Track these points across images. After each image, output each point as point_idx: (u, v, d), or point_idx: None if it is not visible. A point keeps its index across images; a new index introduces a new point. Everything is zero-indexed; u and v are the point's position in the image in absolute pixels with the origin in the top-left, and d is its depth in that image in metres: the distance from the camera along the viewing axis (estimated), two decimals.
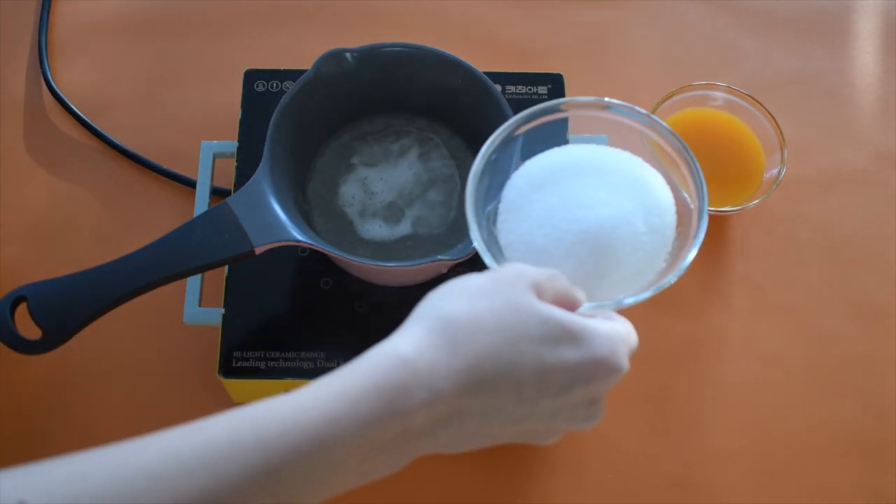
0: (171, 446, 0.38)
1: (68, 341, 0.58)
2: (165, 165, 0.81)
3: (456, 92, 0.70)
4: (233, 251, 0.60)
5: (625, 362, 0.43)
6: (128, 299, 0.58)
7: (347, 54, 0.68)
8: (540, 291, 0.42)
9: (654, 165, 0.55)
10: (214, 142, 0.75)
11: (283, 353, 0.66)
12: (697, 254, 0.80)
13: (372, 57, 0.69)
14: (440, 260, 0.62)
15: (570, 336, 0.41)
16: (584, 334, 0.42)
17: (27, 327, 0.58)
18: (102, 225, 0.80)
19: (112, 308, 0.58)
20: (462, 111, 0.71)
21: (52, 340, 0.57)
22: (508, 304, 0.41)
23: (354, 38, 0.72)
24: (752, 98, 0.81)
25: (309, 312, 0.68)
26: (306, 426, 0.38)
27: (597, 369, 0.42)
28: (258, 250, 0.60)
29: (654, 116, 0.56)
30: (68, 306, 0.57)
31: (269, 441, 0.37)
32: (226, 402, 0.73)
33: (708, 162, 0.81)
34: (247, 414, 0.39)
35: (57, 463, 0.37)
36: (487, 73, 0.70)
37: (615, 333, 0.44)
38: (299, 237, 0.62)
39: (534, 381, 0.40)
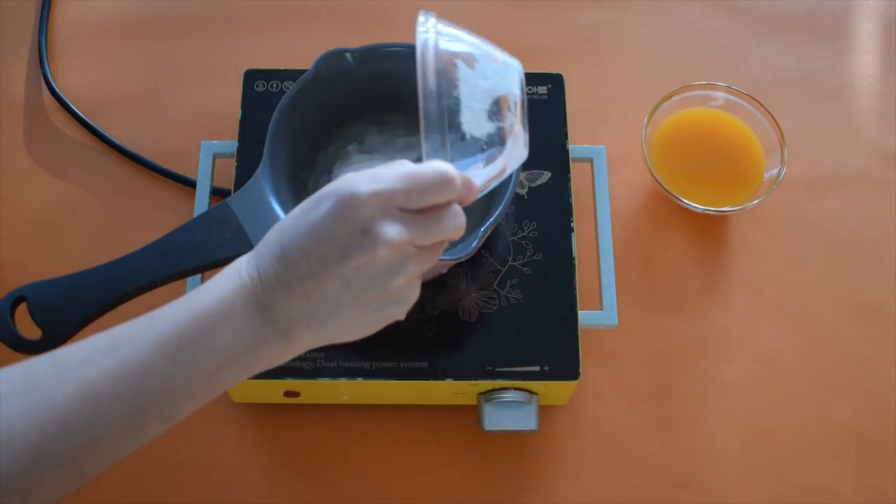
0: (90, 338, 0.48)
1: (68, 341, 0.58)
2: (165, 165, 0.81)
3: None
4: (233, 251, 0.60)
5: (358, 187, 0.46)
6: (128, 299, 0.59)
7: (347, 54, 0.68)
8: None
9: None
10: (214, 142, 0.75)
11: None
12: (697, 254, 0.80)
13: (372, 57, 0.69)
14: (439, 259, 0.62)
15: (316, 198, 0.48)
16: (323, 190, 0.48)
17: (27, 327, 0.58)
18: (102, 225, 0.80)
19: (112, 308, 0.58)
20: None
21: (52, 340, 0.57)
22: (308, 203, 0.49)
23: (354, 39, 0.72)
24: (752, 98, 0.81)
25: None
26: (179, 304, 0.48)
27: (333, 207, 0.46)
28: None
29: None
30: (68, 306, 0.57)
31: (156, 320, 0.47)
32: (226, 402, 0.73)
33: (708, 162, 0.82)
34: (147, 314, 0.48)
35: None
36: None
37: (353, 174, 0.48)
38: None
39: (308, 232, 0.47)
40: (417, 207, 0.48)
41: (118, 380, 0.46)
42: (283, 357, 0.50)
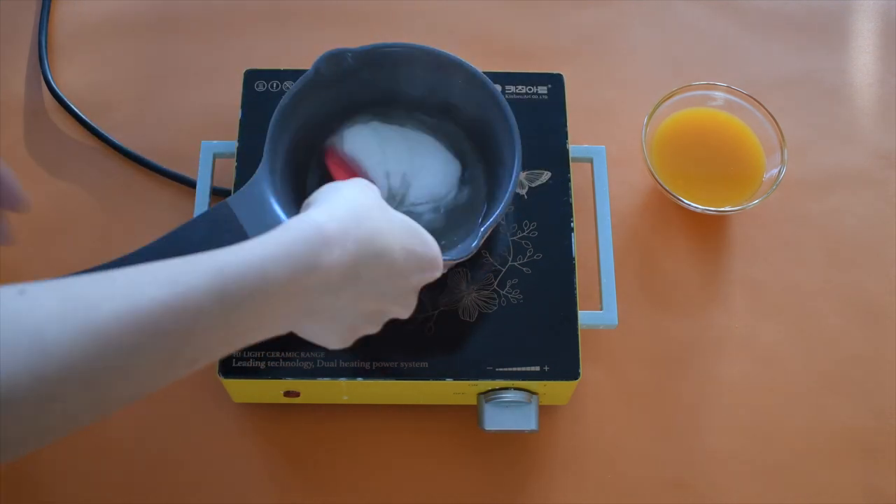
0: (140, 265, 0.45)
1: None
2: (165, 165, 0.81)
3: (457, 92, 0.70)
4: None
5: (440, 264, 0.58)
6: None
7: (347, 54, 0.68)
8: None
9: None
10: (214, 142, 0.75)
11: (283, 353, 0.66)
12: (697, 254, 0.80)
13: (372, 57, 0.69)
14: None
15: (421, 235, 0.57)
16: (427, 237, 0.58)
17: None
18: (102, 225, 0.80)
19: None
20: (463, 111, 0.71)
21: None
22: (382, 205, 0.57)
23: (355, 39, 0.72)
24: (752, 98, 0.81)
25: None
26: (252, 260, 0.46)
27: (430, 263, 0.57)
28: None
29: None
30: None
31: (222, 265, 0.45)
32: (226, 402, 0.73)
33: (708, 162, 0.82)
34: (207, 253, 0.47)
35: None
36: (487, 73, 0.70)
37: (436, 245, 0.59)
38: None
39: (402, 259, 0.54)
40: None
41: (168, 315, 0.43)
42: (282, 332, 0.51)
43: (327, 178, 0.71)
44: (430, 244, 0.58)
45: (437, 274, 0.58)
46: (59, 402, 0.41)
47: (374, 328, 0.58)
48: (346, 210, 0.53)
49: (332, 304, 0.52)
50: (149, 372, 0.44)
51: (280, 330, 0.51)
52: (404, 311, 0.58)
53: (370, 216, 0.54)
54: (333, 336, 0.56)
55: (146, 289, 0.43)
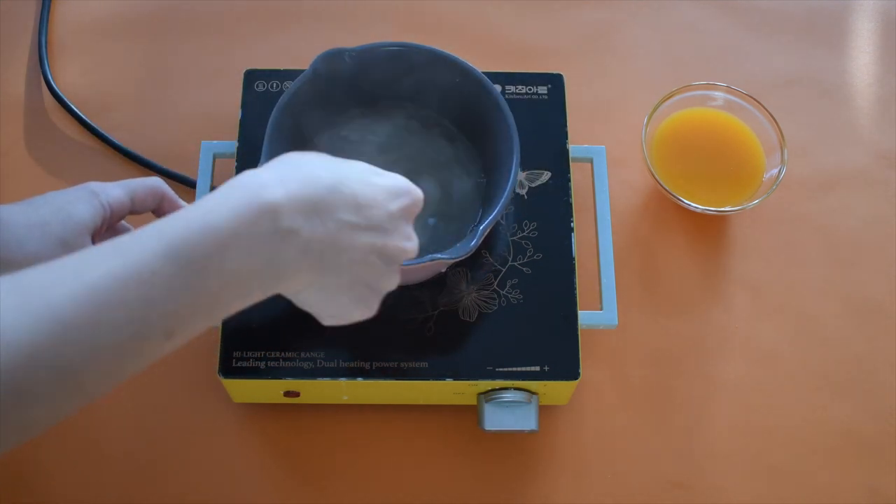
0: (90, 248, 0.46)
1: None
2: (165, 165, 0.81)
3: (455, 91, 0.70)
4: None
5: (420, 193, 0.56)
6: None
7: (345, 54, 0.68)
8: None
9: None
10: (214, 142, 0.75)
11: (283, 353, 0.66)
12: (697, 254, 0.80)
13: (370, 56, 0.69)
14: (438, 259, 0.62)
15: (376, 170, 0.54)
16: (386, 172, 0.55)
17: None
18: None
19: None
20: (462, 111, 0.71)
21: None
22: (328, 158, 0.53)
23: (354, 38, 0.72)
24: (752, 98, 0.81)
25: (309, 312, 0.68)
26: (192, 216, 0.46)
27: (400, 189, 0.54)
28: None
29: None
30: None
31: (165, 227, 0.45)
32: (226, 402, 0.73)
33: (708, 162, 0.82)
34: (151, 223, 0.46)
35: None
36: (487, 73, 0.70)
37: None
38: None
39: (362, 188, 0.51)
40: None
41: (122, 283, 0.43)
42: (280, 287, 0.49)
43: None
44: (391, 175, 0.55)
45: (418, 199, 0.55)
46: (33, 392, 0.41)
47: (387, 277, 0.54)
48: (283, 160, 0.51)
49: (315, 261, 0.49)
50: (119, 347, 0.43)
51: (258, 291, 0.48)
52: (403, 241, 0.54)
53: (310, 161, 0.51)
54: (347, 298, 0.53)
55: (96, 264, 0.43)
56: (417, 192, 0.55)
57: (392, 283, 0.55)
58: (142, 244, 0.44)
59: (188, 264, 0.44)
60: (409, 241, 0.54)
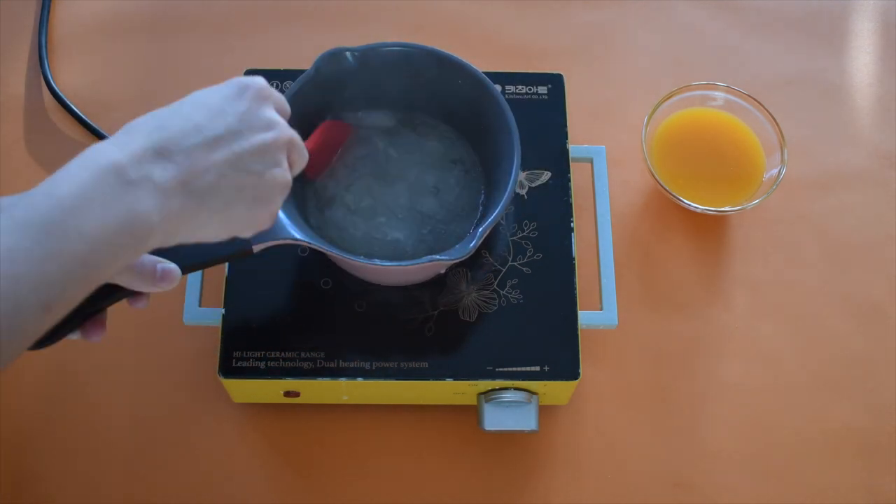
0: None
1: (67, 340, 0.58)
2: None
3: (456, 92, 0.70)
4: (230, 249, 0.60)
5: (255, 78, 0.54)
6: (125, 297, 0.58)
7: (348, 53, 0.68)
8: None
9: None
10: None
11: (283, 353, 0.66)
12: (697, 254, 0.80)
13: (372, 56, 0.69)
14: (437, 260, 0.62)
15: (207, 89, 0.54)
16: (225, 82, 0.54)
17: None
18: None
19: (109, 304, 0.58)
20: (462, 111, 0.71)
21: (49, 336, 0.56)
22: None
23: (354, 38, 0.72)
24: (752, 98, 0.81)
25: (309, 312, 0.68)
26: (34, 192, 0.47)
27: (235, 90, 0.53)
28: (256, 248, 0.60)
29: None
30: None
31: (16, 208, 0.46)
32: (226, 402, 0.73)
33: (708, 162, 0.82)
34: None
35: None
36: (487, 73, 0.70)
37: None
38: (297, 236, 0.62)
39: (198, 112, 0.51)
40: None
41: None
42: (158, 238, 0.49)
43: (327, 176, 0.71)
44: (222, 84, 0.54)
45: (258, 85, 0.54)
46: None
47: (269, 169, 0.53)
48: (121, 130, 0.51)
49: (185, 197, 0.49)
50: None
51: (135, 246, 0.48)
52: (262, 131, 0.53)
53: (141, 119, 0.51)
54: (243, 207, 0.53)
55: None
56: (256, 81, 0.54)
57: (280, 175, 0.54)
58: None
59: (45, 233, 0.45)
60: (271, 130, 0.53)
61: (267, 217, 0.54)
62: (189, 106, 0.52)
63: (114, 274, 0.49)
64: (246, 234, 0.54)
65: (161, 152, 0.49)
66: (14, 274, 0.44)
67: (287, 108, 0.57)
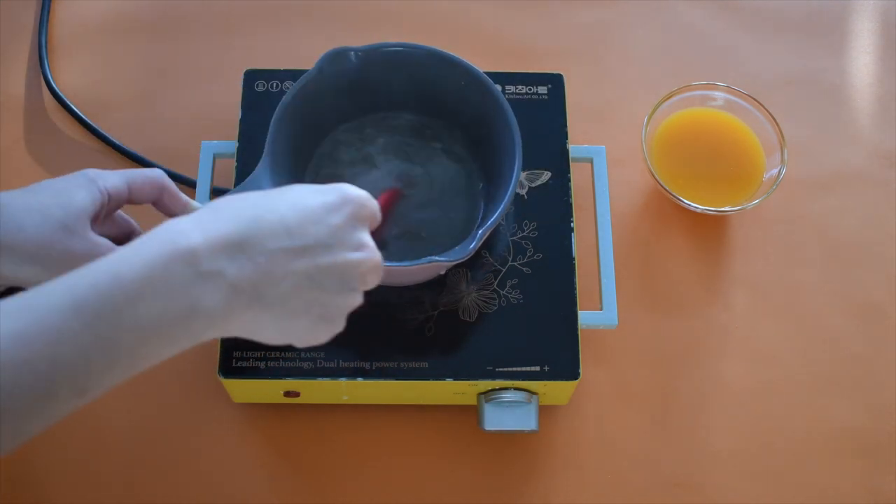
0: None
1: None
2: (165, 165, 0.81)
3: (458, 92, 0.70)
4: None
5: (361, 192, 0.52)
6: None
7: (351, 53, 0.68)
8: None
9: None
10: (214, 142, 0.75)
11: (283, 353, 0.66)
12: (697, 254, 0.80)
13: (375, 56, 0.69)
14: (436, 261, 0.62)
15: (312, 186, 0.52)
16: (320, 185, 0.52)
17: None
18: None
19: None
20: (464, 111, 0.71)
21: None
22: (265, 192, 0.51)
23: (354, 38, 0.72)
24: (752, 98, 0.81)
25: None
26: (102, 265, 0.44)
27: (343, 198, 0.51)
28: None
29: None
30: None
31: (76, 279, 0.43)
32: (226, 402, 0.73)
33: (708, 162, 0.82)
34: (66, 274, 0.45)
35: None
36: (487, 73, 0.70)
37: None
38: None
39: (293, 212, 0.49)
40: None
41: (25, 343, 0.41)
42: (214, 332, 0.47)
43: (327, 176, 0.71)
44: (329, 187, 0.51)
45: (363, 204, 0.52)
46: None
47: (344, 294, 0.51)
48: (208, 205, 0.48)
49: (251, 298, 0.47)
50: (21, 408, 0.42)
51: (186, 339, 0.46)
52: (352, 252, 0.50)
53: (234, 200, 0.49)
54: (306, 322, 0.50)
55: (1, 322, 0.42)
56: (361, 198, 0.52)
57: (352, 298, 0.51)
58: (50, 300, 0.42)
59: (99, 318, 0.43)
60: (359, 252, 0.50)
61: (327, 336, 0.52)
62: (286, 204, 0.49)
63: (156, 362, 0.47)
64: (300, 345, 0.52)
65: (242, 247, 0.46)
66: (54, 357, 0.42)
67: (378, 217, 0.54)
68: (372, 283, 0.52)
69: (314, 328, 0.51)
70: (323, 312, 0.50)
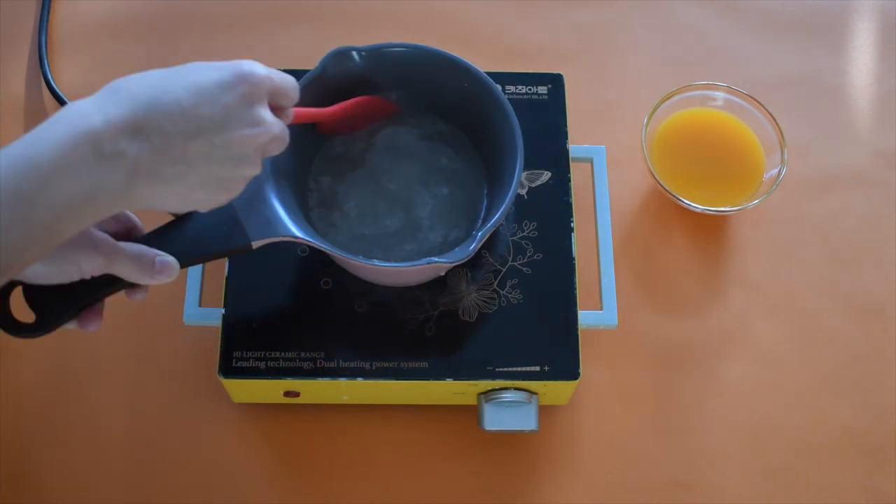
0: None
1: (66, 338, 0.58)
2: None
3: (460, 92, 0.70)
4: (229, 245, 0.60)
5: (256, 67, 0.53)
6: (123, 288, 0.58)
7: (354, 53, 0.68)
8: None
9: None
10: None
11: (283, 353, 0.66)
12: (697, 254, 0.80)
13: (378, 56, 0.69)
14: (436, 262, 0.62)
15: (205, 65, 0.53)
16: (215, 63, 0.53)
17: (22, 312, 0.57)
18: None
19: (107, 295, 0.58)
20: (465, 111, 0.71)
21: (46, 324, 0.56)
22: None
23: (354, 39, 0.72)
24: (752, 98, 0.81)
25: (309, 312, 0.68)
26: (14, 150, 0.46)
27: (232, 79, 0.52)
28: (255, 244, 0.60)
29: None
30: (63, 293, 0.56)
31: None
32: (226, 402, 0.73)
33: (708, 162, 0.82)
34: None
35: None
36: (488, 73, 0.70)
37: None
38: (297, 233, 0.62)
39: (187, 95, 0.50)
40: (281, 105, 0.55)
41: None
42: (118, 207, 0.50)
43: (327, 176, 0.71)
44: (223, 64, 0.52)
45: (256, 80, 0.52)
46: None
47: (240, 168, 0.53)
48: (108, 86, 0.50)
49: (151, 176, 0.49)
50: None
51: (91, 216, 0.49)
52: (247, 128, 0.52)
53: (132, 81, 0.51)
54: (203, 193, 0.53)
55: None
56: (255, 75, 0.52)
57: (249, 170, 0.54)
58: None
59: (17, 200, 0.45)
60: (255, 128, 0.52)
61: (224, 200, 0.55)
62: (182, 85, 0.51)
63: (67, 238, 0.49)
64: (202, 210, 0.55)
65: (140, 129, 0.48)
66: None
67: (290, 90, 0.56)
68: (275, 151, 0.55)
69: (213, 196, 0.54)
70: (219, 184, 0.53)
